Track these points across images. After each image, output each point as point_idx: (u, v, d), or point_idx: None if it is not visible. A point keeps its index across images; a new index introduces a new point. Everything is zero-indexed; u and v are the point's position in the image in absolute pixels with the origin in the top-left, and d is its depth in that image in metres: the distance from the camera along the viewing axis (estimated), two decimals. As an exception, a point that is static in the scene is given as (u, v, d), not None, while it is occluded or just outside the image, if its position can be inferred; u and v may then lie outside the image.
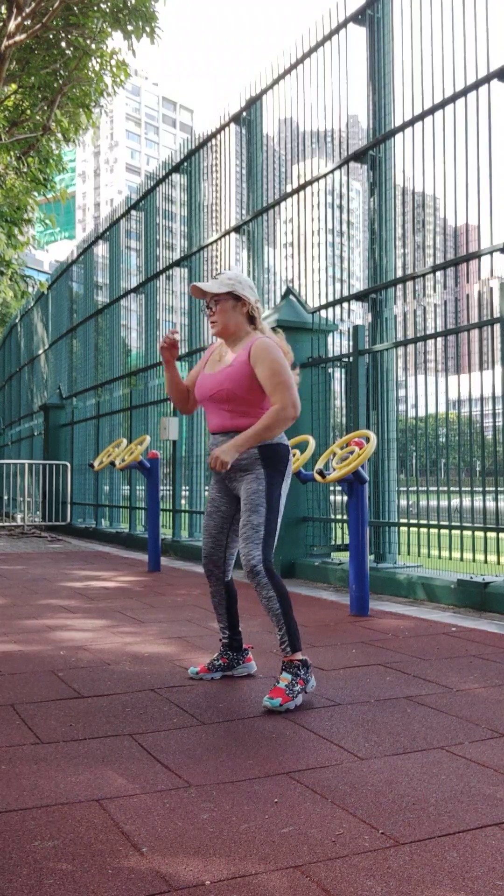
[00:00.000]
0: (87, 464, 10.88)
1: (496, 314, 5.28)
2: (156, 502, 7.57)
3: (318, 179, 7.23)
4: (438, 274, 5.90)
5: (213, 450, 3.06)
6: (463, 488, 5.66)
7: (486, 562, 5.37)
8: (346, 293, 6.99)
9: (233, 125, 8.72)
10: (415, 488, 6.30)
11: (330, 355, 7.06)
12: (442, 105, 5.80)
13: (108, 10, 9.30)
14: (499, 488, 5.25)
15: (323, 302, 7.20)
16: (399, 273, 6.53)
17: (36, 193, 12.42)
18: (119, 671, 3.50)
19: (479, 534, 5.42)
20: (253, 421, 3.12)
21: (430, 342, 6.06)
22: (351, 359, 6.63)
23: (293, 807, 2.01)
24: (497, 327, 5.27)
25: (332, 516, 7.09)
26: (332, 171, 7.07)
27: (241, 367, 3.13)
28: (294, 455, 5.34)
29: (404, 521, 6.25)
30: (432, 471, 6.16)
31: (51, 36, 9.88)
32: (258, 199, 8.17)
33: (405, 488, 6.47)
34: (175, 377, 3.41)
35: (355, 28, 6.75)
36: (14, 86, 10.70)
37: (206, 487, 9.37)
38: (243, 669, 3.43)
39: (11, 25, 8.53)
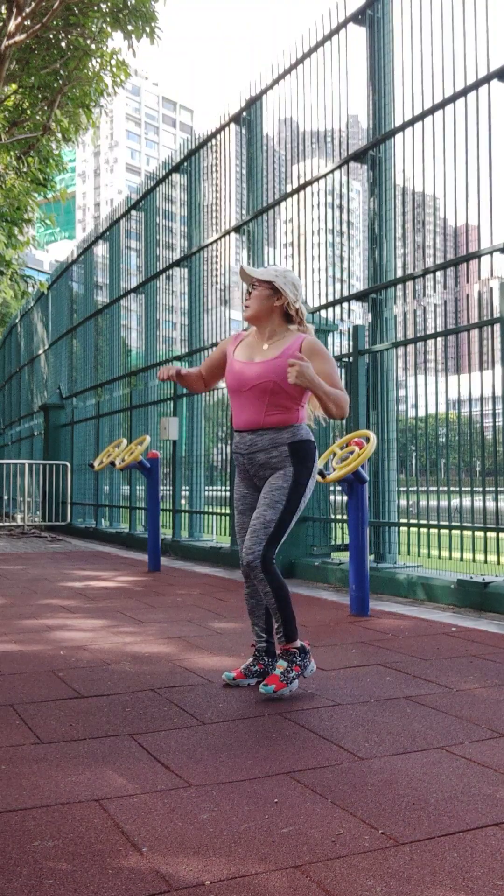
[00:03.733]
0: (87, 464, 10.88)
1: (496, 314, 5.28)
2: (156, 502, 7.57)
3: (318, 179, 7.23)
4: (438, 274, 5.90)
5: (299, 362, 2.91)
6: (463, 488, 5.66)
7: (486, 562, 5.37)
8: (346, 293, 6.99)
9: (233, 125, 8.72)
10: (415, 488, 6.30)
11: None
12: (442, 105, 5.80)
13: (108, 10, 9.30)
14: (499, 488, 5.25)
15: (323, 302, 7.20)
16: (399, 273, 6.53)
17: (36, 193, 12.42)
18: (119, 671, 3.50)
19: (479, 534, 5.42)
20: (286, 418, 3.11)
21: (430, 342, 6.06)
22: (351, 359, 6.63)
23: (293, 807, 2.01)
24: (497, 327, 5.27)
25: (332, 516, 7.09)
26: (332, 171, 7.07)
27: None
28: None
29: (404, 521, 6.25)
30: (432, 471, 6.16)
31: (51, 36, 9.88)
32: (258, 199, 8.17)
33: (405, 488, 6.47)
34: (191, 382, 3.41)
35: (355, 28, 6.75)
36: (14, 86, 10.70)
37: (207, 487, 9.38)
38: None
39: (11, 25, 8.53)
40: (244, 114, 8.45)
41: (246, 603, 3.30)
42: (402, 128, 6.21)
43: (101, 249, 13.01)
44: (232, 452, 3.31)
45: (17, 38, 8.67)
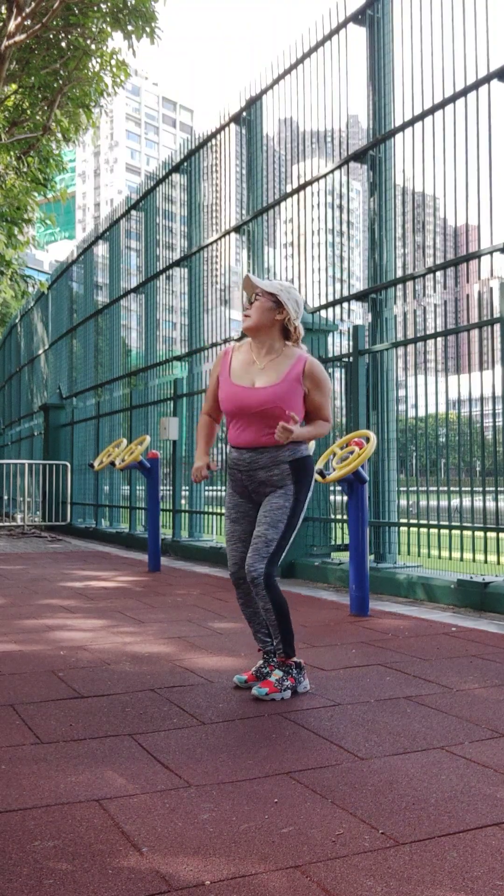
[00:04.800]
0: (87, 464, 10.88)
1: (496, 314, 5.28)
2: (156, 502, 7.57)
3: (317, 179, 7.23)
4: (438, 274, 5.90)
5: (288, 429, 2.96)
6: (463, 488, 5.66)
7: (486, 562, 5.37)
8: (346, 293, 6.99)
9: (233, 125, 8.72)
10: (415, 488, 6.30)
11: (330, 355, 7.06)
12: (442, 105, 5.80)
13: (108, 10, 9.30)
14: (499, 488, 5.25)
15: (323, 302, 7.20)
16: (399, 273, 6.53)
17: (36, 193, 12.41)
18: (119, 671, 3.50)
19: (479, 534, 5.42)
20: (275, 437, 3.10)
21: (430, 342, 6.06)
22: (351, 359, 6.63)
23: (293, 807, 2.01)
24: (497, 327, 5.27)
25: (332, 516, 7.08)
26: (331, 171, 7.07)
27: (293, 386, 3.10)
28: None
29: (404, 521, 6.25)
30: (432, 471, 6.16)
31: (51, 36, 9.88)
32: (258, 199, 8.17)
33: (405, 488, 6.47)
34: (208, 447, 3.44)
35: (355, 28, 6.75)
36: (14, 86, 10.70)
37: (207, 488, 9.37)
38: None
39: (11, 25, 8.53)
40: (244, 114, 8.45)
41: (243, 613, 3.28)
42: (402, 128, 6.21)
43: (101, 249, 13.02)
44: (228, 468, 3.27)
45: (17, 38, 8.67)
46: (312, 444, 3.34)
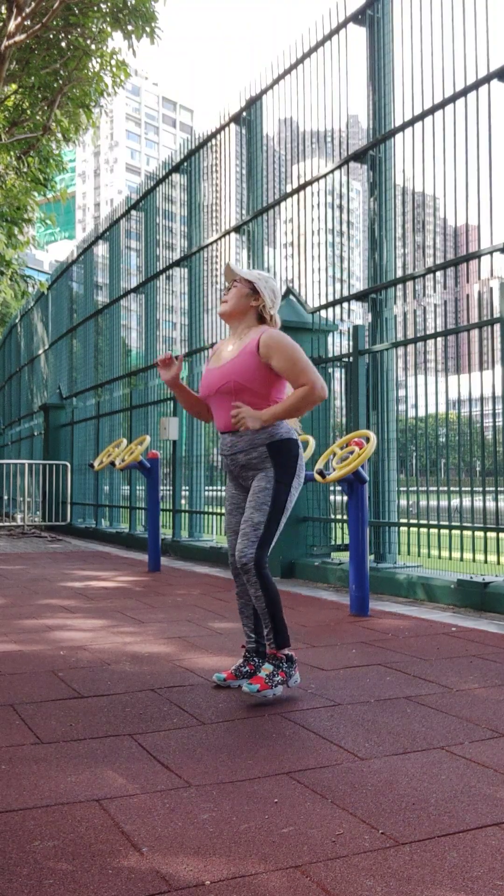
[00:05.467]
0: (87, 464, 10.88)
1: (496, 314, 5.28)
2: (156, 502, 7.57)
3: (317, 179, 7.23)
4: (438, 274, 5.90)
5: (240, 410, 2.98)
6: (463, 488, 5.66)
7: (486, 562, 5.37)
8: (346, 293, 6.99)
9: (233, 125, 8.72)
10: (415, 488, 6.30)
11: (330, 355, 7.06)
12: (442, 105, 5.80)
13: (108, 10, 9.30)
14: (499, 488, 5.25)
15: (323, 302, 7.20)
16: (399, 273, 6.53)
17: (36, 193, 12.42)
18: (119, 671, 3.50)
19: (479, 534, 5.42)
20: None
21: (430, 342, 6.06)
22: (351, 359, 6.63)
23: (293, 807, 2.01)
24: (497, 327, 5.27)
25: (332, 516, 7.08)
26: (331, 171, 7.07)
27: (248, 358, 3.07)
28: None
29: (404, 521, 6.25)
30: (432, 471, 6.16)
31: (51, 36, 9.88)
32: (258, 199, 8.17)
33: (405, 488, 6.47)
34: (187, 395, 3.37)
35: (355, 28, 6.75)
36: (14, 86, 10.70)
37: (207, 487, 9.38)
38: None
39: (11, 25, 8.53)
40: (244, 114, 8.45)
41: (237, 602, 3.30)
42: (402, 128, 6.21)
43: (101, 249, 13.01)
44: (220, 454, 3.29)
45: (17, 38, 8.67)
46: (295, 422, 3.24)
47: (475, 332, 5.53)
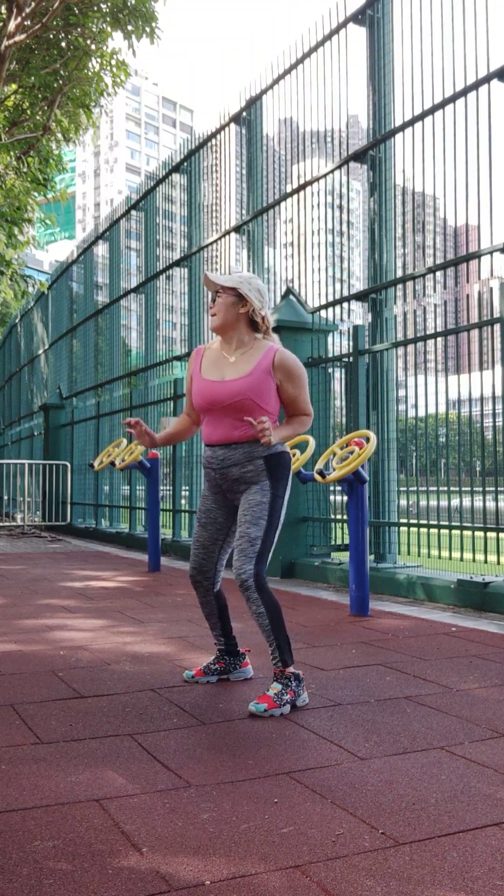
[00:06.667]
0: (87, 464, 10.88)
1: (496, 314, 5.28)
2: (156, 502, 7.57)
3: (317, 179, 7.23)
4: (438, 274, 5.90)
5: (262, 425, 2.90)
6: (463, 488, 5.66)
7: (486, 562, 5.37)
8: (346, 293, 6.99)
9: (233, 125, 8.71)
10: (415, 488, 6.30)
11: (330, 355, 7.06)
12: (442, 105, 5.80)
13: (108, 10, 9.30)
14: (499, 488, 5.25)
15: (323, 302, 7.20)
16: (399, 273, 6.53)
17: (36, 193, 12.42)
18: (119, 671, 3.50)
19: (479, 534, 5.42)
20: (248, 431, 3.04)
21: (430, 342, 6.06)
22: (351, 359, 6.63)
23: (293, 807, 2.01)
24: (497, 327, 5.27)
25: (332, 516, 7.08)
26: (331, 171, 7.07)
27: (263, 377, 3.03)
28: (294, 455, 5.34)
29: (404, 521, 6.25)
30: (432, 471, 6.16)
31: (51, 36, 9.89)
32: (258, 199, 8.17)
33: (405, 488, 6.47)
34: (172, 438, 3.40)
35: (355, 28, 6.75)
36: (14, 86, 10.70)
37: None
38: (240, 675, 3.37)
39: (11, 25, 8.53)
40: (244, 114, 8.45)
41: (202, 610, 3.34)
42: (402, 128, 6.21)
43: (101, 249, 13.01)
44: (203, 467, 3.24)
45: (17, 38, 8.67)
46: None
47: (475, 332, 5.53)
